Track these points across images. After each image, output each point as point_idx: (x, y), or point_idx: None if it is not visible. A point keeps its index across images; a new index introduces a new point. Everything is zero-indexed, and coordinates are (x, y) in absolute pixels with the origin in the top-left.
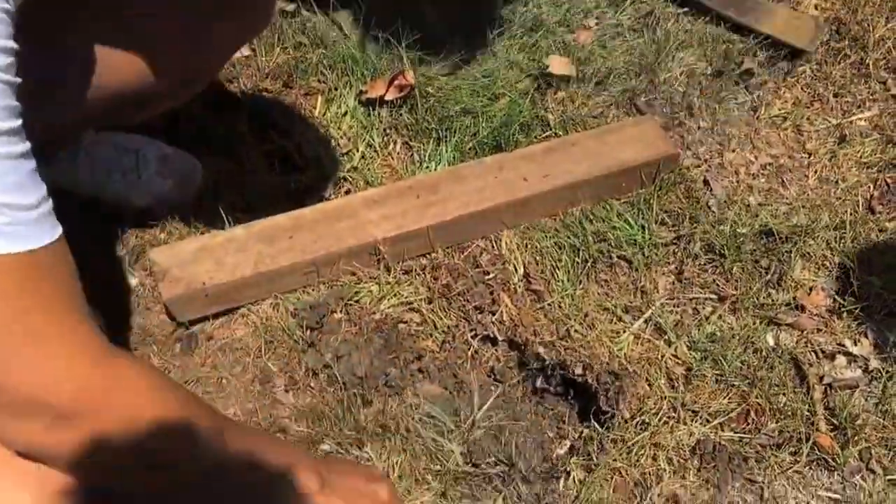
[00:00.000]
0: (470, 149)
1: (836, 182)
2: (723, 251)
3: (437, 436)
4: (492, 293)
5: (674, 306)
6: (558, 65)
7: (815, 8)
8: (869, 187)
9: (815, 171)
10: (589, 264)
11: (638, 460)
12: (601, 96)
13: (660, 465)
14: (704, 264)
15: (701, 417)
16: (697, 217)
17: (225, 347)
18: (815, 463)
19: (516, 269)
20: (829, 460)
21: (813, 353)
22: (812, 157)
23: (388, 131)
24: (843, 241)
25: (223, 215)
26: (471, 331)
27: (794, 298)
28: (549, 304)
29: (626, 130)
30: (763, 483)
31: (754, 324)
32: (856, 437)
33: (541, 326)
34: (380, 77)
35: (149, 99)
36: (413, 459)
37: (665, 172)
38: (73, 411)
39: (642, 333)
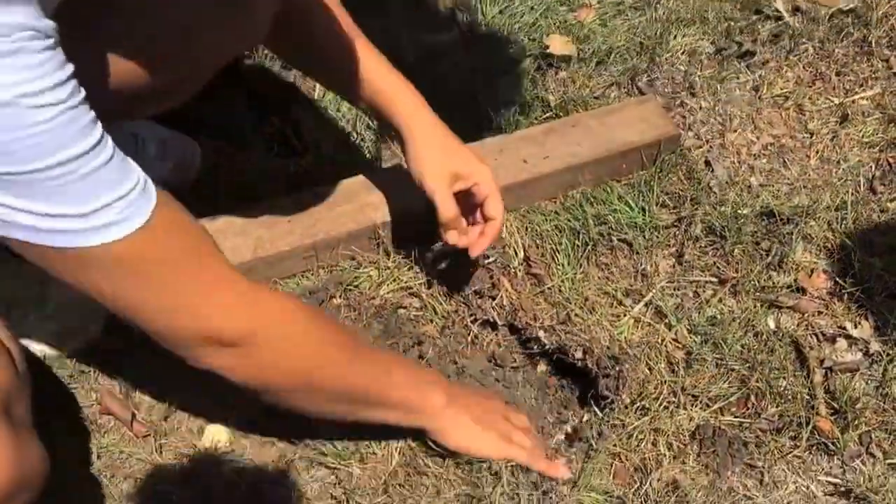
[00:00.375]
0: (469, 130)
1: (838, 162)
2: (724, 233)
3: None
4: (492, 277)
5: (674, 289)
6: (559, 44)
7: None
8: (871, 167)
9: (817, 151)
10: (589, 247)
11: (638, 445)
12: (602, 76)
13: (660, 450)
14: (705, 247)
15: (701, 402)
16: (698, 198)
17: None
18: (815, 447)
19: (516, 253)
20: (829, 444)
21: (813, 337)
22: (814, 137)
23: None
24: (844, 221)
25: (222, 199)
26: (470, 315)
27: (795, 281)
28: (549, 288)
29: (627, 111)
30: (763, 468)
31: (755, 307)
32: (856, 421)
33: (541, 311)
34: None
35: (129, 102)
36: (412, 446)
37: (666, 153)
38: (246, 336)
39: (642, 317)
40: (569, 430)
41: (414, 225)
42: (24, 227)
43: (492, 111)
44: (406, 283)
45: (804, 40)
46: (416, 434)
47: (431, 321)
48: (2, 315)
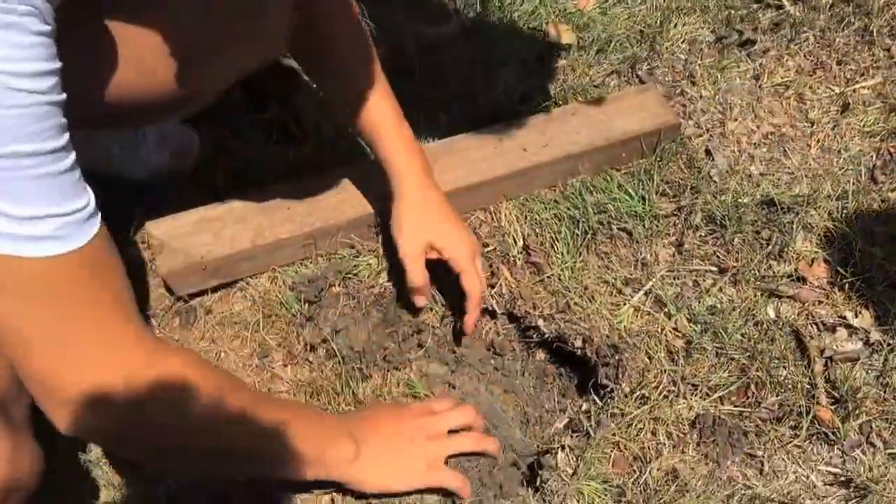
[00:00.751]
0: (469, 119)
1: (839, 151)
2: (724, 222)
3: None
4: (491, 265)
5: (674, 278)
6: (558, 33)
7: None
8: (872, 156)
9: (818, 141)
10: (589, 236)
11: (637, 434)
12: (602, 65)
13: (659, 439)
14: (705, 236)
15: (701, 391)
16: (699, 187)
17: (223, 321)
18: (815, 437)
19: (515, 242)
20: (830, 434)
21: (814, 326)
22: (814, 126)
23: None
24: (845, 211)
25: (221, 187)
26: None
27: (796, 270)
28: (548, 277)
29: (627, 99)
30: (763, 457)
31: (755, 296)
32: (856, 411)
33: (540, 299)
34: (378, 45)
35: (143, 112)
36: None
37: (666, 142)
38: (131, 402)
39: (642, 306)
40: (567, 419)
41: None
42: None
43: (491, 100)
44: None
45: (805, 29)
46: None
47: (431, 309)
48: None
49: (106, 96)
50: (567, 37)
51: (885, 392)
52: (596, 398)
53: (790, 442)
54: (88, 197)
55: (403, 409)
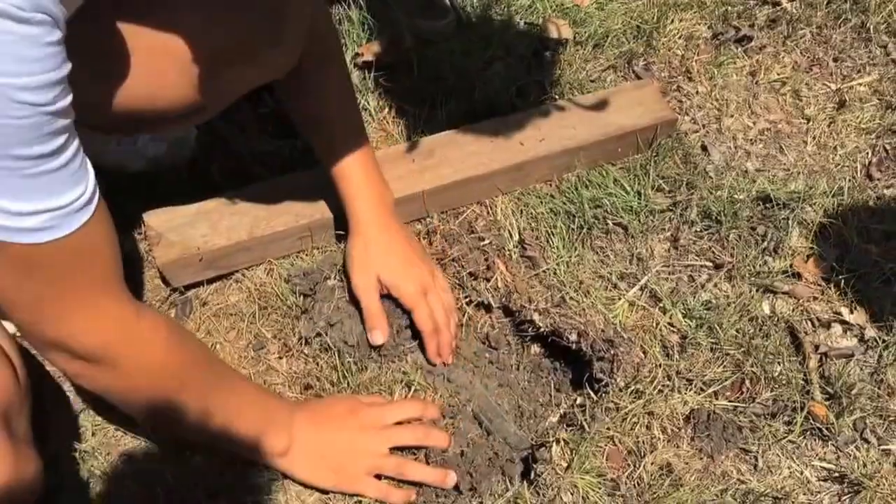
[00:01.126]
0: (466, 113)
1: (835, 148)
2: (719, 218)
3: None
4: (486, 259)
5: (669, 273)
6: (555, 27)
7: None
8: (867, 153)
9: (814, 137)
10: (584, 231)
11: (632, 429)
12: (599, 60)
13: (653, 433)
14: (701, 231)
15: (695, 386)
16: (694, 183)
17: (219, 313)
18: (809, 432)
19: (511, 235)
20: (824, 430)
21: (809, 322)
22: (811, 123)
23: (383, 95)
24: (840, 207)
25: (218, 179)
26: (465, 297)
27: (791, 266)
28: (543, 271)
29: (624, 94)
30: (757, 452)
31: (750, 292)
32: (850, 407)
33: (535, 293)
34: (375, 40)
35: (150, 120)
36: None
37: (662, 137)
38: (98, 357)
39: (637, 301)
40: (561, 412)
41: (409, 205)
42: None
43: (488, 94)
44: None
45: (802, 26)
46: None
47: None
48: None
49: (112, 104)
50: (564, 32)
51: (879, 388)
52: (591, 392)
53: (784, 437)
54: (86, 184)
55: (356, 401)
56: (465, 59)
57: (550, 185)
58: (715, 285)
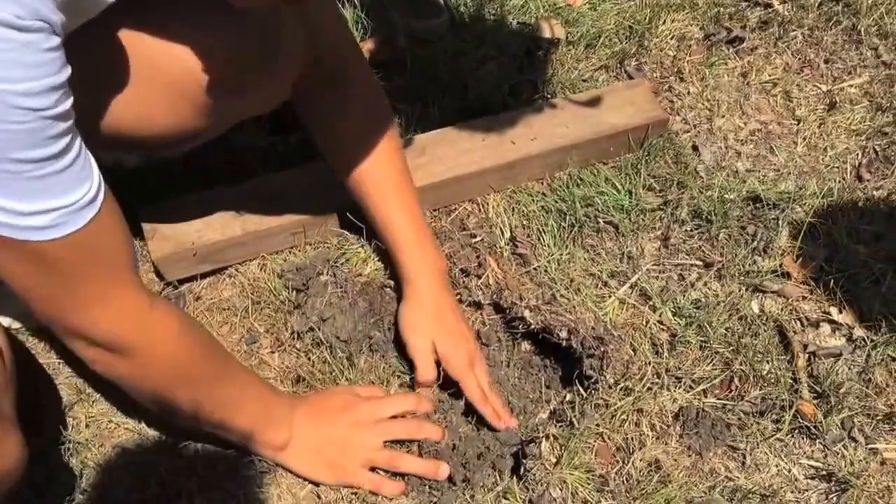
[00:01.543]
0: (459, 111)
1: (825, 149)
2: (710, 217)
3: None
4: (478, 256)
5: (659, 272)
6: (548, 27)
7: None
8: (857, 155)
9: (804, 138)
10: (575, 229)
11: (621, 425)
12: (591, 60)
13: (642, 430)
14: (691, 230)
15: (684, 384)
16: (685, 182)
17: (212, 307)
18: (797, 431)
19: (503, 233)
20: (812, 428)
21: (797, 321)
22: (801, 124)
23: None
24: (830, 208)
25: (213, 174)
26: (456, 294)
27: (780, 266)
28: (535, 269)
29: (616, 94)
30: (745, 450)
31: (739, 291)
32: (838, 406)
33: (526, 290)
34: (370, 38)
35: (140, 144)
36: None
37: (654, 137)
38: (114, 346)
39: (628, 299)
40: (551, 409)
41: None
42: None
43: (481, 93)
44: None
45: (793, 27)
46: None
47: None
48: None
49: (101, 126)
50: (557, 31)
51: (867, 388)
52: (580, 389)
53: (772, 435)
54: (91, 182)
55: (354, 394)
56: (459, 57)
57: (542, 183)
58: (705, 284)
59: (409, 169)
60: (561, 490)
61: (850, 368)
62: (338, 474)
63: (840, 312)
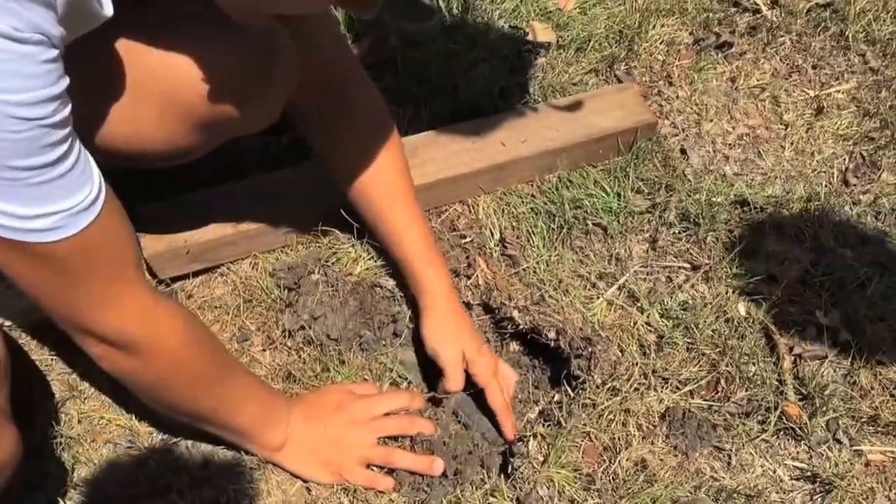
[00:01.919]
0: (450, 113)
1: (812, 154)
2: (697, 220)
3: None
4: (468, 257)
5: (647, 274)
6: (539, 31)
7: None
8: (844, 159)
9: (792, 143)
10: (564, 231)
11: (608, 425)
12: (581, 63)
13: (629, 430)
14: (679, 233)
15: (671, 385)
16: (673, 186)
17: (204, 305)
18: (782, 432)
19: (492, 234)
20: (797, 430)
21: (783, 324)
22: (789, 129)
23: None
24: (817, 212)
25: (205, 174)
26: None
27: (767, 269)
28: (524, 270)
29: (605, 98)
30: (730, 451)
31: (726, 293)
32: (823, 408)
33: (515, 291)
34: (361, 39)
35: (132, 158)
36: None
37: (643, 140)
38: (121, 343)
39: (615, 300)
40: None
41: None
42: None
43: (472, 95)
44: (383, 262)
45: (782, 33)
46: None
47: (406, 299)
48: None
49: (101, 134)
50: (547, 35)
51: (852, 390)
52: (568, 389)
53: (758, 436)
54: (91, 185)
55: (349, 393)
56: (450, 60)
57: (532, 185)
58: (692, 286)
59: None
60: (548, 488)
61: (835, 371)
62: (333, 473)
63: (826, 315)
